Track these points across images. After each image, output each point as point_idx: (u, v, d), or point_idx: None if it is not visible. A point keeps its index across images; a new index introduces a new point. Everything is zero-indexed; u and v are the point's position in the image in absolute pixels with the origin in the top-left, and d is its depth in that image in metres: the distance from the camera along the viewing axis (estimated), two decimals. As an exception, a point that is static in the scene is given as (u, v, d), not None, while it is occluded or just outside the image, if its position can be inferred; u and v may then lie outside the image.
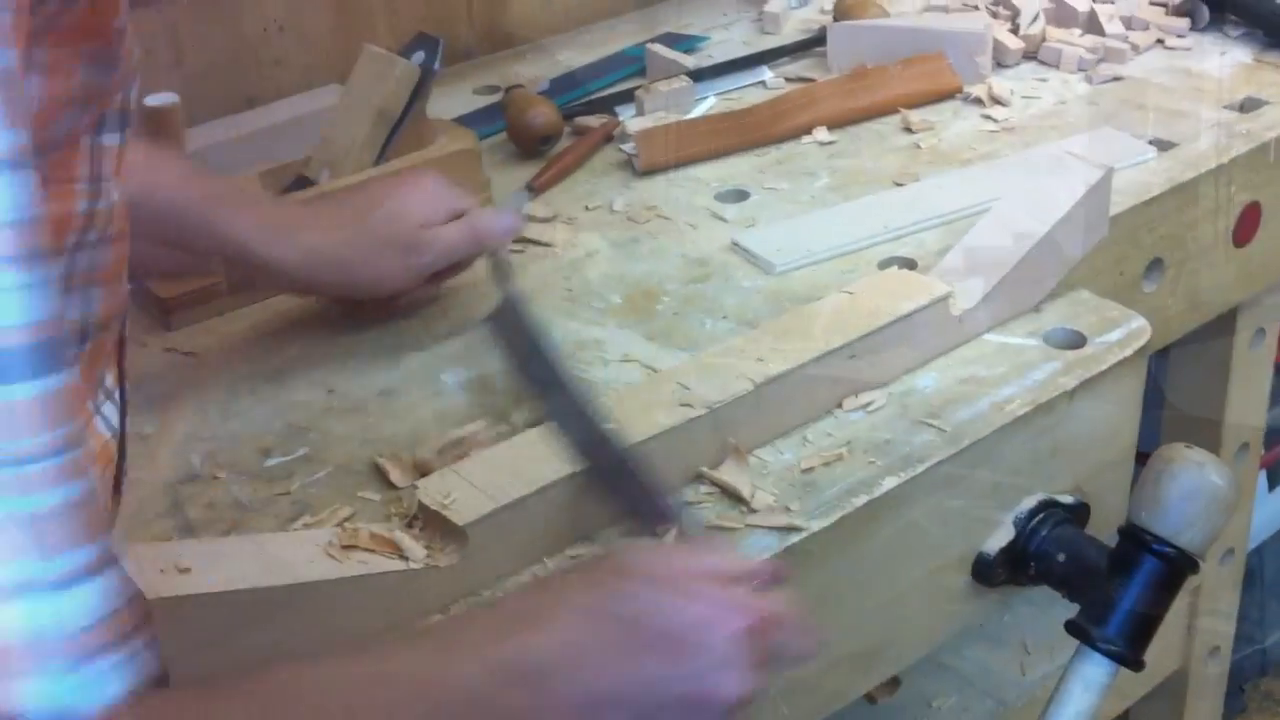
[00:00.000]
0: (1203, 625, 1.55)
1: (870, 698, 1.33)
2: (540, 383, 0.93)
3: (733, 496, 0.90)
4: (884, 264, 1.14)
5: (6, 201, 0.46)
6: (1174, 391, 1.55)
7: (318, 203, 1.10)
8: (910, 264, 1.13)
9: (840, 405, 0.98)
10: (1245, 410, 1.52)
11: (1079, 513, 1.02)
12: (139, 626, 0.52)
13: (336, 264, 1.04)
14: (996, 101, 1.43)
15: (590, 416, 0.87)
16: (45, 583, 0.49)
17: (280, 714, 0.60)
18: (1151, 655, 0.95)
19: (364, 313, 1.11)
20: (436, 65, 1.21)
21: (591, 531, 0.88)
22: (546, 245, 1.22)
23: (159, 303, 1.11)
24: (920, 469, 0.93)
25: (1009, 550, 0.99)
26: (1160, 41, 1.55)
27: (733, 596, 0.72)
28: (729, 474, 0.91)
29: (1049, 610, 1.32)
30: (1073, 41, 1.52)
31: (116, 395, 0.67)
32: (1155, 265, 1.25)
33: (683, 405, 0.92)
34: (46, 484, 0.49)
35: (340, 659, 0.64)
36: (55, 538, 0.49)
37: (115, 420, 0.66)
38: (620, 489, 0.86)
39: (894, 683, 1.35)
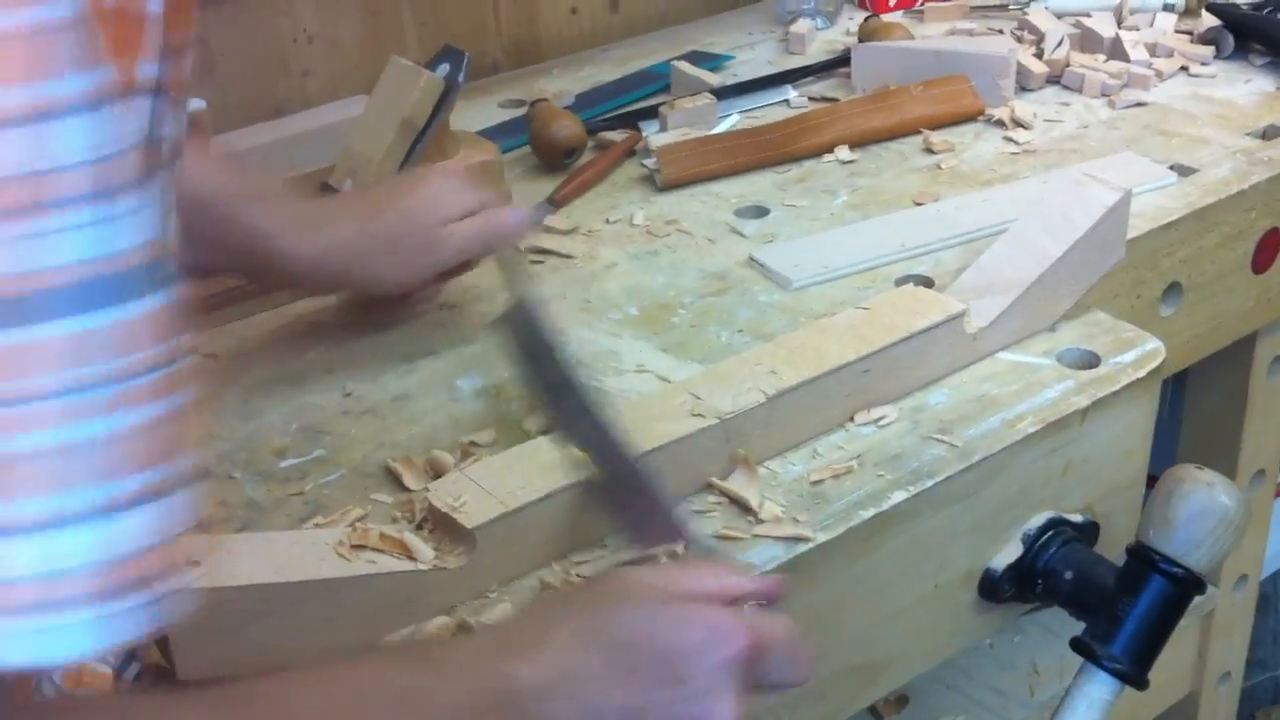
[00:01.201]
0: (1214, 651, 1.54)
1: (877, 715, 1.33)
2: (550, 387, 0.93)
3: (741, 507, 0.91)
4: (901, 282, 1.14)
5: (109, 134, 0.47)
6: (1192, 417, 1.54)
7: (337, 199, 1.10)
8: (927, 282, 1.14)
9: (852, 419, 0.99)
10: (1262, 437, 1.51)
11: (1088, 532, 1.02)
12: (176, 565, 0.50)
13: (355, 259, 1.05)
14: (1018, 124, 1.44)
15: (600, 424, 0.87)
16: (115, 503, 0.47)
17: None
18: (1162, 679, 0.95)
19: (378, 312, 1.12)
20: (461, 78, 1.22)
21: (600, 538, 0.89)
22: (566, 257, 1.23)
23: (181, 304, 1.13)
24: (930, 484, 0.93)
25: (1016, 567, 0.99)
26: (1184, 69, 1.55)
27: (726, 620, 0.71)
28: (738, 484, 0.92)
29: (1059, 633, 1.32)
30: (1097, 67, 1.52)
31: None
32: (1173, 289, 1.25)
33: (694, 415, 0.92)
34: (145, 399, 0.48)
35: (323, 673, 0.64)
36: (135, 454, 0.47)
37: None
38: (625, 500, 0.85)
39: (901, 700, 1.35)
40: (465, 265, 1.11)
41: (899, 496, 0.92)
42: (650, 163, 1.37)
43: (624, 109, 1.54)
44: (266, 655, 0.78)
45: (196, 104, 1.10)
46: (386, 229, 1.05)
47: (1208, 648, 1.53)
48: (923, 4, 1.77)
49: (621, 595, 0.73)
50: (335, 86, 1.54)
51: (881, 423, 0.99)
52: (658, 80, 1.61)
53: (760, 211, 1.30)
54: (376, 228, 1.05)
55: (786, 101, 1.54)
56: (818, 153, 1.40)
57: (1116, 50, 1.55)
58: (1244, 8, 1.61)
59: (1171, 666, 1.46)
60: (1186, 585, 0.93)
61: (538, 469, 0.87)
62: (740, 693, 0.70)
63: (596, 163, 1.38)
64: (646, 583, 0.74)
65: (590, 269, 1.21)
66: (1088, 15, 1.62)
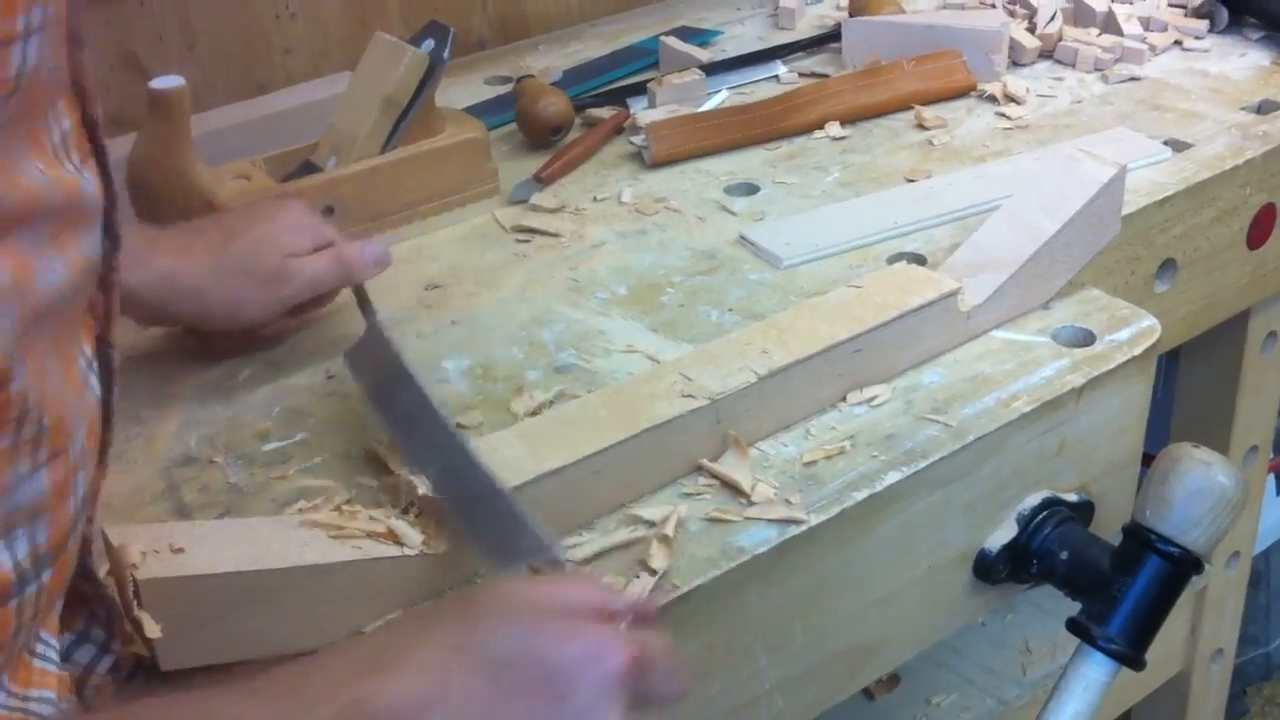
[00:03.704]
0: (1206, 628, 1.54)
1: (869, 694, 1.32)
2: (400, 417, 0.90)
3: (733, 489, 0.89)
4: (893, 260, 1.13)
5: None
6: (1184, 393, 1.54)
7: (179, 229, 1.03)
8: (920, 260, 1.12)
9: (844, 399, 0.98)
10: (1255, 414, 1.51)
11: (1083, 511, 1.01)
12: None
13: (193, 292, 0.99)
14: (1011, 100, 1.42)
15: (455, 448, 0.84)
16: None
17: None
18: (1154, 657, 0.94)
19: (220, 345, 1.06)
20: (446, 54, 1.20)
21: (589, 521, 0.87)
22: (554, 235, 1.21)
23: (162, 286, 1.11)
24: (923, 464, 0.92)
25: (1011, 547, 0.98)
26: (1178, 43, 1.54)
27: (604, 634, 0.67)
28: (729, 466, 0.91)
29: (1052, 611, 1.31)
30: (1090, 41, 1.51)
31: (96, 365, 0.67)
32: (1168, 266, 1.24)
33: (685, 396, 0.91)
34: None
35: (172, 710, 0.61)
36: None
37: (98, 389, 0.66)
38: (486, 522, 0.82)
39: (893, 679, 1.34)
40: (320, 299, 1.06)
41: (893, 477, 0.91)
42: (638, 140, 1.36)
43: (612, 85, 1.53)
44: (249, 644, 0.77)
45: (175, 81, 1.07)
46: (230, 262, 1.00)
47: (1200, 625, 1.53)
48: (913, -22, 1.75)
49: (496, 609, 0.68)
50: (318, 64, 1.53)
51: (874, 403, 0.97)
52: (646, 56, 1.59)
53: (750, 189, 1.29)
54: (218, 260, 1.00)
55: (776, 77, 1.53)
56: (808, 129, 1.39)
57: (1110, 24, 1.54)
58: (1238, -20, 1.60)
59: (1163, 644, 1.45)
60: (1184, 565, 0.92)
61: (523, 453, 0.86)
62: (622, 709, 0.66)
63: (584, 140, 1.37)
64: (521, 596, 0.70)
65: (578, 248, 1.20)
66: (1080, -11, 1.61)
